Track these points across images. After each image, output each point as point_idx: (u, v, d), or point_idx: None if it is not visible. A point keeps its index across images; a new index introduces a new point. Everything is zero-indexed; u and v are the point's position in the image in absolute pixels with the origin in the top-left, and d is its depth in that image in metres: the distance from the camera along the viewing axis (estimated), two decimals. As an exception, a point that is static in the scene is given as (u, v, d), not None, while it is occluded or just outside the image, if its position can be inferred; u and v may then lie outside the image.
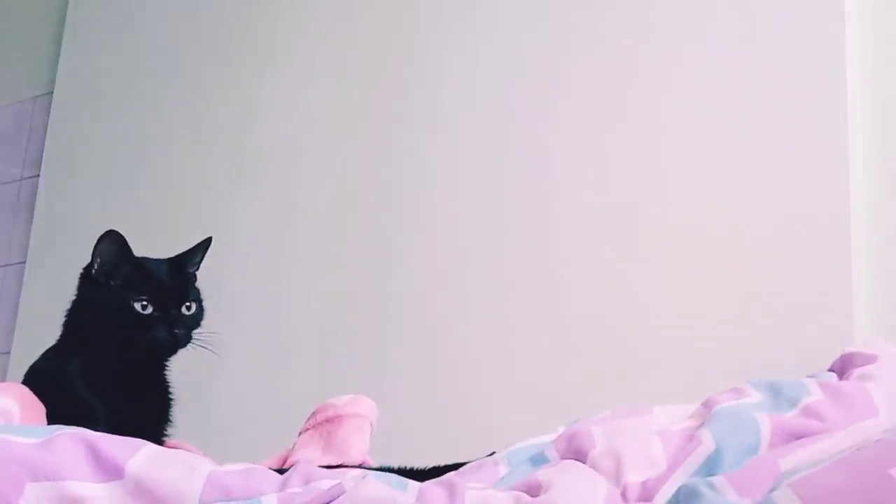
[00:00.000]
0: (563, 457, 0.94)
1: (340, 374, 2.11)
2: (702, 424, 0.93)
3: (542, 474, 0.90)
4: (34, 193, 2.78)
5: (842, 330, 1.64)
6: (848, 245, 1.68)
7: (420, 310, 2.09)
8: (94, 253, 1.37)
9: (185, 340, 1.38)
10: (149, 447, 0.94)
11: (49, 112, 2.82)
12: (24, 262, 2.74)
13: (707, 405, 0.99)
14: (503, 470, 0.97)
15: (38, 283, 2.67)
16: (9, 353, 2.66)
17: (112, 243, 1.36)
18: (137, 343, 1.33)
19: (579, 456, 0.92)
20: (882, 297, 1.67)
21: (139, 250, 1.41)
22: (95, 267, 1.37)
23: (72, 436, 0.93)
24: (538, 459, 0.97)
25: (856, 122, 1.74)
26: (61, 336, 1.40)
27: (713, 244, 1.81)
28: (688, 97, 1.90)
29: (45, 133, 2.81)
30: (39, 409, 1.23)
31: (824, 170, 1.73)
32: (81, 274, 1.40)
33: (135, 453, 0.92)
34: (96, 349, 1.33)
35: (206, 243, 1.46)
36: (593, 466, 0.90)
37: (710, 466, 0.86)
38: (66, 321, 1.41)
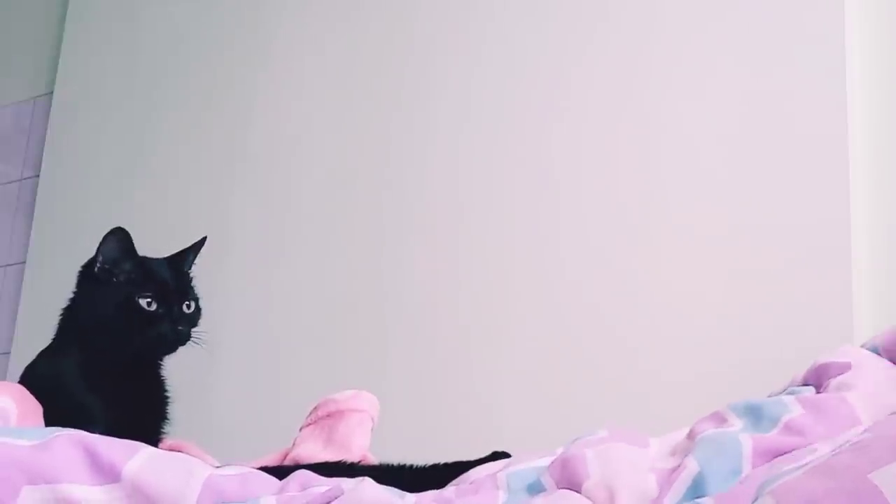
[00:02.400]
0: (559, 484, 0.94)
1: (339, 372, 2.11)
2: (687, 454, 0.93)
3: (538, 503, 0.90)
4: (34, 193, 2.78)
5: (842, 330, 1.64)
6: (848, 245, 1.68)
7: (418, 308, 2.09)
8: (98, 250, 1.37)
9: (186, 337, 1.39)
10: (147, 450, 0.94)
11: (49, 112, 2.82)
12: (24, 262, 2.74)
13: (690, 436, 0.99)
14: (502, 496, 0.97)
15: (38, 283, 2.67)
16: (9, 353, 2.65)
17: (119, 240, 1.37)
18: (142, 339, 1.34)
19: (573, 485, 0.92)
20: (882, 297, 1.67)
21: (139, 249, 1.41)
22: (98, 264, 1.37)
23: (69, 438, 0.92)
24: (535, 487, 0.97)
25: (856, 123, 1.74)
26: (56, 335, 1.40)
27: (713, 244, 1.81)
28: (688, 97, 1.89)
29: (45, 133, 2.81)
30: (37, 409, 1.22)
31: (824, 170, 1.73)
32: (81, 271, 1.40)
33: (132, 456, 0.92)
34: (95, 347, 1.33)
35: (201, 243, 1.48)
36: (587, 496, 0.90)
37: (697, 489, 0.87)
38: (62, 319, 1.40)
